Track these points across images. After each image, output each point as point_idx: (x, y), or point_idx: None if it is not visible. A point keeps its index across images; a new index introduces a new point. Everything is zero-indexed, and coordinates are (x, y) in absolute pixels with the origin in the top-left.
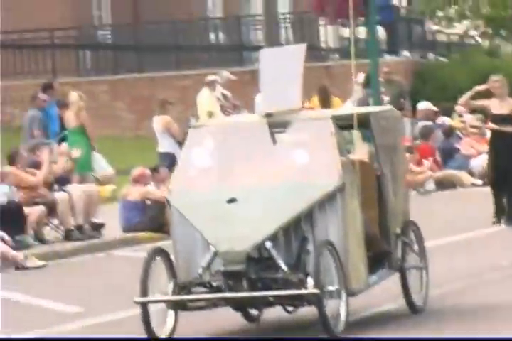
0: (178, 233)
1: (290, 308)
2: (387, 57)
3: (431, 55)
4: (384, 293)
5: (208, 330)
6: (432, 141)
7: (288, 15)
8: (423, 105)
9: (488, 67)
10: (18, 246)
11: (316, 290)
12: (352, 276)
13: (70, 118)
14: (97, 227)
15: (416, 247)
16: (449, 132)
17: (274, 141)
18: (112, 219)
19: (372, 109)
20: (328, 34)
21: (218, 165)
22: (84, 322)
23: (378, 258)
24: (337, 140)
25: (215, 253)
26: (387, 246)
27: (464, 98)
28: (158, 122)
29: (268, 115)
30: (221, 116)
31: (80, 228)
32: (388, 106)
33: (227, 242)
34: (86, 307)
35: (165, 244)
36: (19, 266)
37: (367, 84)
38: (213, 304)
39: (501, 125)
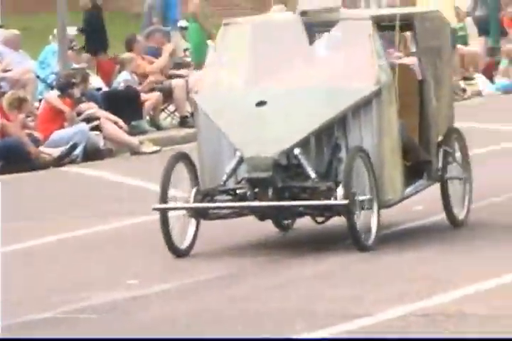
0: (203, 137)
1: (320, 219)
2: None
3: None
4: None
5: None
6: None
7: None
8: None
9: None
10: (134, 131)
11: (345, 201)
12: (386, 186)
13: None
14: None
15: (459, 157)
16: None
17: (310, 42)
18: None
19: (416, 9)
20: None
21: (248, 66)
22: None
23: (417, 168)
24: (376, 42)
25: (241, 159)
26: (426, 155)
27: None
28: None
29: (304, 13)
30: None
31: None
32: (434, 8)
33: (254, 147)
34: None
35: None
36: (135, 151)
37: None
38: (237, 213)
39: None
